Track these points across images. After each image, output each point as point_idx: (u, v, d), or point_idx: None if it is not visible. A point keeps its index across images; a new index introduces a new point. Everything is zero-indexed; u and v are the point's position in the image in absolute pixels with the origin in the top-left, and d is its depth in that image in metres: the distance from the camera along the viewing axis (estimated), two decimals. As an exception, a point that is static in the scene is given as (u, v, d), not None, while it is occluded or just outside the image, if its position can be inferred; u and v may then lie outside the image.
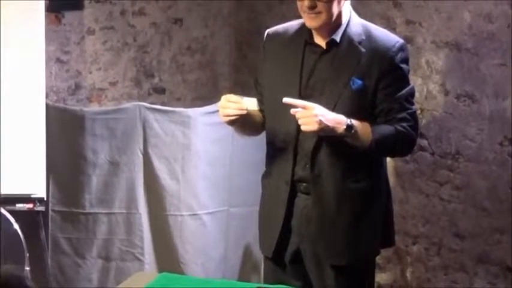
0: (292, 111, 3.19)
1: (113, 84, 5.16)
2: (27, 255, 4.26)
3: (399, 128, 3.29)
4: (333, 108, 3.25)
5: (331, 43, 3.32)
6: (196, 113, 4.65)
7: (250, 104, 3.32)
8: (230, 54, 5.56)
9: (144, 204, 4.61)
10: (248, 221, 4.61)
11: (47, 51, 4.55)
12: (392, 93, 3.29)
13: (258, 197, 3.59)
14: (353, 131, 3.22)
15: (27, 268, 4.24)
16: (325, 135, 3.25)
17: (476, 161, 4.35)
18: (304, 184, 3.38)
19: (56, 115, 4.51)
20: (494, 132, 4.26)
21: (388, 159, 3.90)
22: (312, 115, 3.16)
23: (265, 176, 3.52)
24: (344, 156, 3.31)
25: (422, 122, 4.44)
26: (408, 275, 4.72)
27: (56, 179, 4.53)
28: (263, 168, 3.54)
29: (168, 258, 4.65)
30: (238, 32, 5.53)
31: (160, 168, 4.60)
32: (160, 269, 4.48)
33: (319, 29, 3.31)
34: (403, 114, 3.30)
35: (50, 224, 4.54)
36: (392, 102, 3.29)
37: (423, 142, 4.52)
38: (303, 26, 3.37)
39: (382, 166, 3.46)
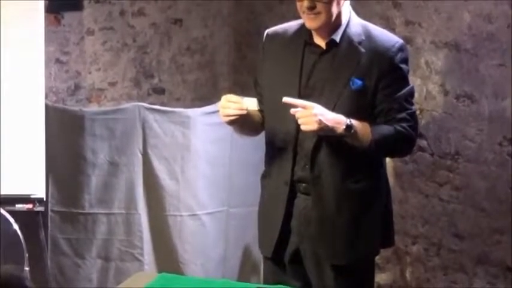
0: (292, 111, 3.19)
1: (113, 84, 5.16)
2: (27, 255, 4.26)
3: (399, 128, 3.29)
4: (333, 108, 3.25)
5: (331, 43, 3.32)
6: (195, 113, 4.65)
7: (250, 104, 3.33)
8: (229, 55, 5.56)
9: (144, 204, 4.61)
10: (247, 221, 4.61)
11: (46, 52, 4.55)
12: (392, 94, 3.29)
13: (258, 197, 3.59)
14: (352, 130, 3.22)
15: (27, 268, 4.24)
16: (324, 135, 3.25)
17: (475, 161, 4.35)
18: (303, 184, 3.38)
19: (56, 115, 4.51)
20: (494, 133, 4.26)
21: (388, 159, 3.90)
22: (312, 115, 3.16)
23: (265, 176, 3.52)
24: (344, 157, 3.31)
25: (422, 122, 4.43)
26: (407, 275, 4.71)
27: (55, 179, 4.53)
28: (262, 169, 3.54)
29: (167, 258, 4.64)
30: (237, 32, 5.53)
31: (160, 169, 4.60)
32: (160, 269, 4.48)
33: (318, 30, 3.31)
34: (403, 115, 3.30)
35: (49, 224, 4.54)
36: (391, 102, 3.29)
37: (422, 142, 4.52)
38: (302, 26, 3.37)
39: (382, 166, 3.46)
